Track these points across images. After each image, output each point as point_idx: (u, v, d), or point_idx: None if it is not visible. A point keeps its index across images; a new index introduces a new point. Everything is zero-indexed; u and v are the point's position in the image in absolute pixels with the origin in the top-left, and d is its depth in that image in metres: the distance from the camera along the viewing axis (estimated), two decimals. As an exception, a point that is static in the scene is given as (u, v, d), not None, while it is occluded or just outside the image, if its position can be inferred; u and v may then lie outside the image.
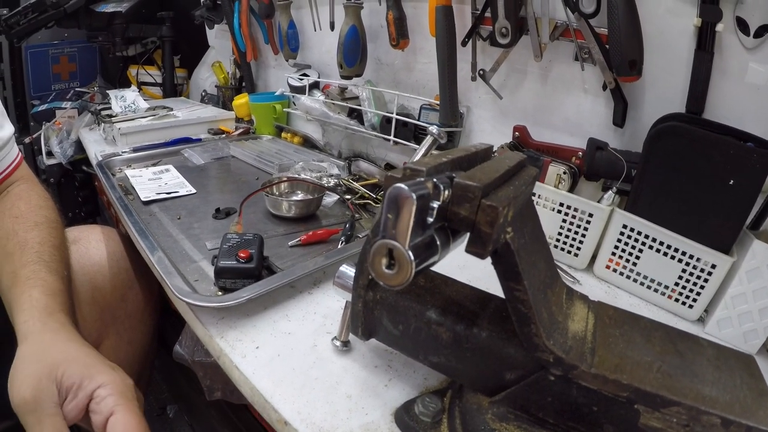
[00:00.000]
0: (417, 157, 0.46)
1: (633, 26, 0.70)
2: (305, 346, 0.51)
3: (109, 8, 1.50)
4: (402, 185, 0.24)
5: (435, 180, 0.27)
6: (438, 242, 0.28)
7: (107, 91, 1.39)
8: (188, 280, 0.61)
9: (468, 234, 0.29)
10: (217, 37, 1.48)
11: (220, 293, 0.58)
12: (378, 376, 0.47)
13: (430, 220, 0.27)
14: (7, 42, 1.67)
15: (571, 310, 0.39)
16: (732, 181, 0.61)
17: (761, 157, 0.58)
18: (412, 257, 0.24)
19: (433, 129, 0.52)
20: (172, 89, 1.53)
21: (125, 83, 1.64)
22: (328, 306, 0.58)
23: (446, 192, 0.28)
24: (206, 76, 1.50)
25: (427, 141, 0.52)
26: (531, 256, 0.34)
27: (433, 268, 0.44)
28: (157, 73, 1.56)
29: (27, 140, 1.65)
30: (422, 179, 0.27)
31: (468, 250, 0.29)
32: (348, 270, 0.45)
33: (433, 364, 0.41)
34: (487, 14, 0.81)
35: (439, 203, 0.27)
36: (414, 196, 0.23)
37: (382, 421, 0.42)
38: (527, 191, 0.38)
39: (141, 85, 1.56)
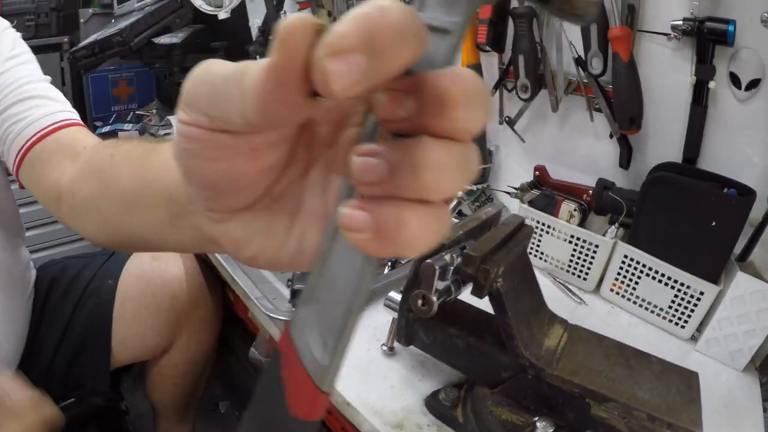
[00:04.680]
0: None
1: (634, 87, 0.90)
2: (361, 350, 0.76)
3: (165, 39, 1.79)
4: (429, 260, 0.48)
5: (452, 253, 0.50)
6: (453, 288, 0.52)
7: (168, 117, 1.69)
8: (268, 298, 0.87)
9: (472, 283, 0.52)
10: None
11: (294, 309, 0.83)
12: (415, 373, 0.71)
13: (449, 275, 0.50)
14: (69, 67, 2.00)
15: (550, 331, 0.62)
16: (714, 223, 0.77)
17: (739, 203, 0.76)
18: (436, 300, 0.48)
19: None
20: (225, 114, 1.81)
21: (180, 106, 1.94)
22: (377, 320, 0.82)
23: (459, 258, 0.51)
24: (257, 103, 1.77)
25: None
26: (518, 294, 0.57)
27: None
28: (210, 99, 1.84)
29: (93, 159, 1.97)
30: (443, 253, 0.51)
31: (472, 293, 0.52)
32: (395, 295, 0.69)
33: (452, 364, 0.65)
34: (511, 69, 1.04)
35: (453, 266, 0.51)
36: (437, 267, 0.47)
37: (416, 405, 0.66)
38: (520, 248, 0.61)
39: (196, 109, 1.85)
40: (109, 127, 1.91)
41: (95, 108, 2.02)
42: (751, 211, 0.76)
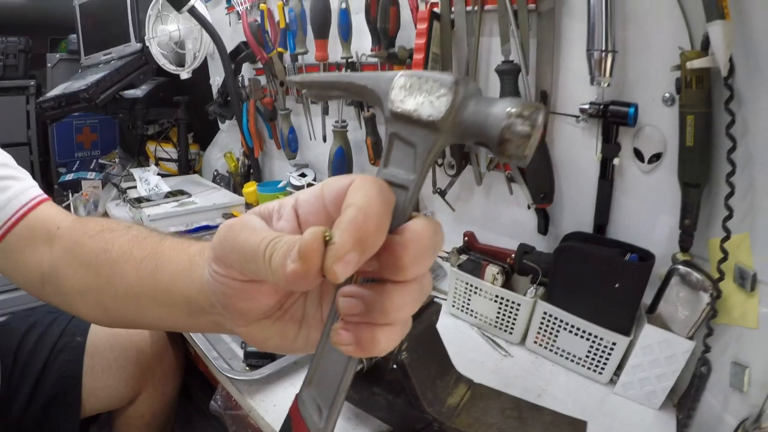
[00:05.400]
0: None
1: (545, 167, 1.09)
2: (304, 406, 0.91)
3: (129, 92, 1.93)
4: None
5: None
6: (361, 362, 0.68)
7: (131, 170, 1.83)
8: (224, 358, 1.01)
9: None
10: (228, 130, 1.90)
11: (248, 368, 0.98)
12: (350, 423, 0.87)
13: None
14: (34, 113, 2.12)
15: (454, 390, 0.79)
16: (617, 285, 0.88)
17: (639, 268, 0.88)
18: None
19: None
20: (187, 165, 1.96)
21: (143, 154, 2.08)
22: (319, 377, 0.98)
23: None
24: (217, 157, 1.93)
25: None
26: (423, 363, 0.74)
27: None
28: (172, 150, 1.99)
29: (55, 208, 2.07)
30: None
31: (379, 364, 0.69)
32: (330, 360, 0.85)
33: (378, 417, 0.81)
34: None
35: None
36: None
37: (349, 452, 0.82)
38: (428, 323, 0.77)
39: (158, 160, 1.99)
40: (72, 174, 2.02)
41: (59, 153, 2.14)
42: (659, 267, 0.87)
